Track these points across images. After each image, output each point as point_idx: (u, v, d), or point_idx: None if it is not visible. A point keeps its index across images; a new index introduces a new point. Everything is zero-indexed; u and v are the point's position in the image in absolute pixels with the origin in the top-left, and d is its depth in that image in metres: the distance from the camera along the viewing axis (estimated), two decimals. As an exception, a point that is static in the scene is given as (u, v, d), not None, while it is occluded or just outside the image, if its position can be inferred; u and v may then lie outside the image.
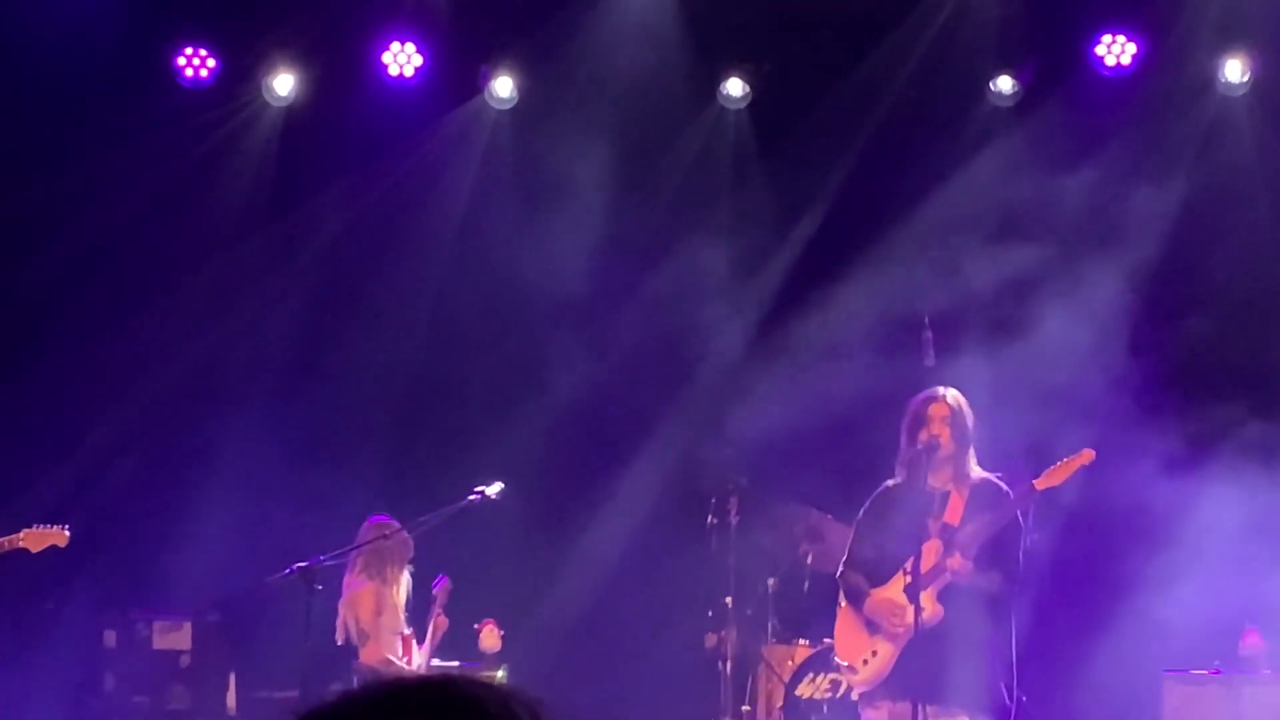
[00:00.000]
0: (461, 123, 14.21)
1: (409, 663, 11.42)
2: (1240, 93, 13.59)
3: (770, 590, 12.16)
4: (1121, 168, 13.38)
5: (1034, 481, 9.38)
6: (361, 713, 1.74)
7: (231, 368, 13.90)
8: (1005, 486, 9.46)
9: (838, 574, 9.81)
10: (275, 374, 13.86)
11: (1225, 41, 13.57)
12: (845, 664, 9.74)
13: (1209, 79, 13.63)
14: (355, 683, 11.14)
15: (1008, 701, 9.31)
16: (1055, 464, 9.44)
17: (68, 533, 11.33)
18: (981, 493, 9.43)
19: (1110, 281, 12.91)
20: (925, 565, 9.27)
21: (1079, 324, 12.72)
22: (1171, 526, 12.27)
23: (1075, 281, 13.01)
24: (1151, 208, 13.34)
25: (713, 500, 12.28)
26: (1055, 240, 13.27)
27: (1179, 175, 13.37)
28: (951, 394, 9.60)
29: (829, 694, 11.36)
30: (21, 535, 11.15)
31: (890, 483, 9.67)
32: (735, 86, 14.09)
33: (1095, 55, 13.70)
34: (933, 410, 9.48)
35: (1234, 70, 13.55)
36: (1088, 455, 9.46)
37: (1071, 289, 12.96)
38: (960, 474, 9.46)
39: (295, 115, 14.10)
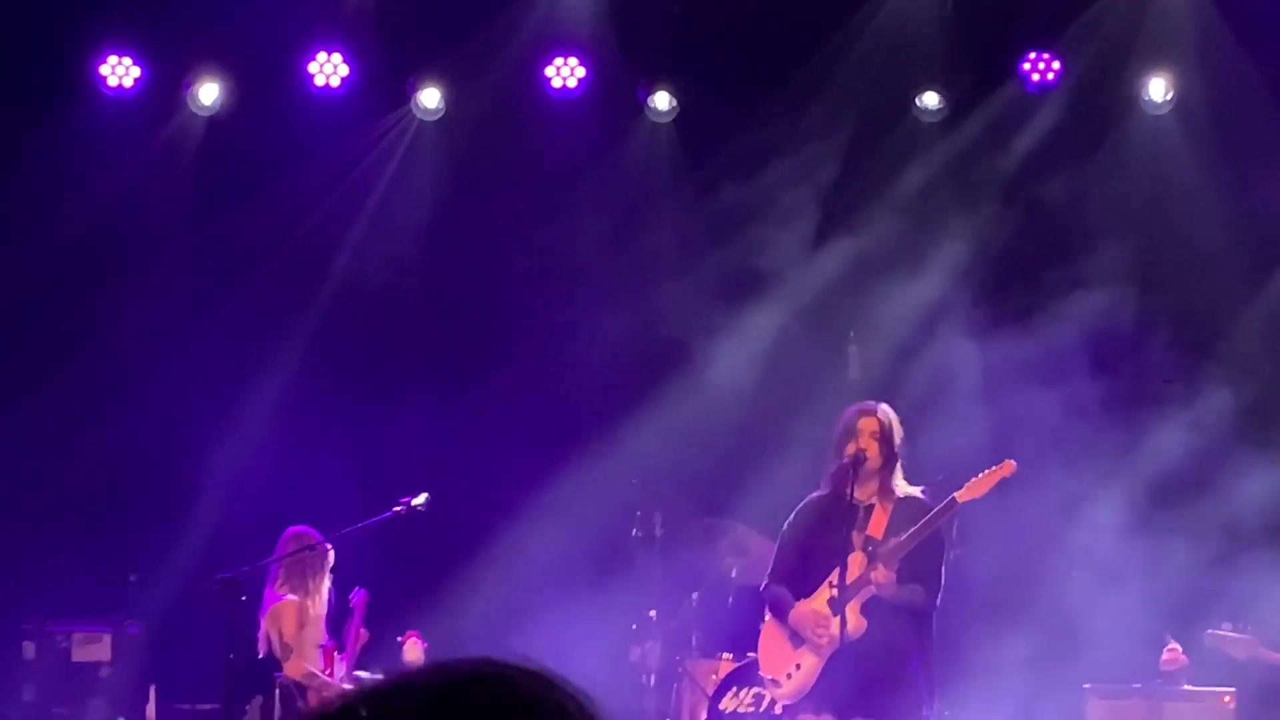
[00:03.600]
0: (388, 133, 14.16)
1: (331, 675, 11.36)
2: (1163, 111, 13.71)
3: (694, 604, 12.15)
4: (1048, 182, 13.50)
5: (955, 494, 9.40)
6: (415, 704, 1.72)
7: (153, 375, 13.78)
8: (929, 501, 9.48)
9: (762, 587, 9.81)
10: (196, 382, 13.76)
11: (1149, 61, 13.68)
12: (770, 677, 9.74)
13: (1133, 97, 13.75)
14: (277, 697, 11.15)
15: (928, 714, 9.34)
16: (976, 476, 9.46)
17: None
18: (905, 507, 9.45)
19: (1042, 299, 13.00)
20: (849, 578, 9.28)
21: (1002, 343, 12.79)
22: (1092, 539, 12.37)
23: (1006, 301, 13.09)
24: (1080, 223, 13.46)
25: (637, 513, 12.27)
26: (980, 256, 13.37)
27: (1107, 189, 13.49)
28: (883, 409, 9.63)
29: (752, 708, 11.35)
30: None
31: (815, 495, 9.68)
32: (662, 100, 14.09)
33: (1022, 72, 13.78)
34: (863, 424, 9.50)
35: (1157, 89, 13.67)
36: (1009, 467, 9.49)
37: (1003, 308, 13.04)
38: (885, 488, 9.48)
39: (220, 125, 14.02)
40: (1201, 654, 11.59)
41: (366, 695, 1.73)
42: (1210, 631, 11.50)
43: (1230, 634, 11.44)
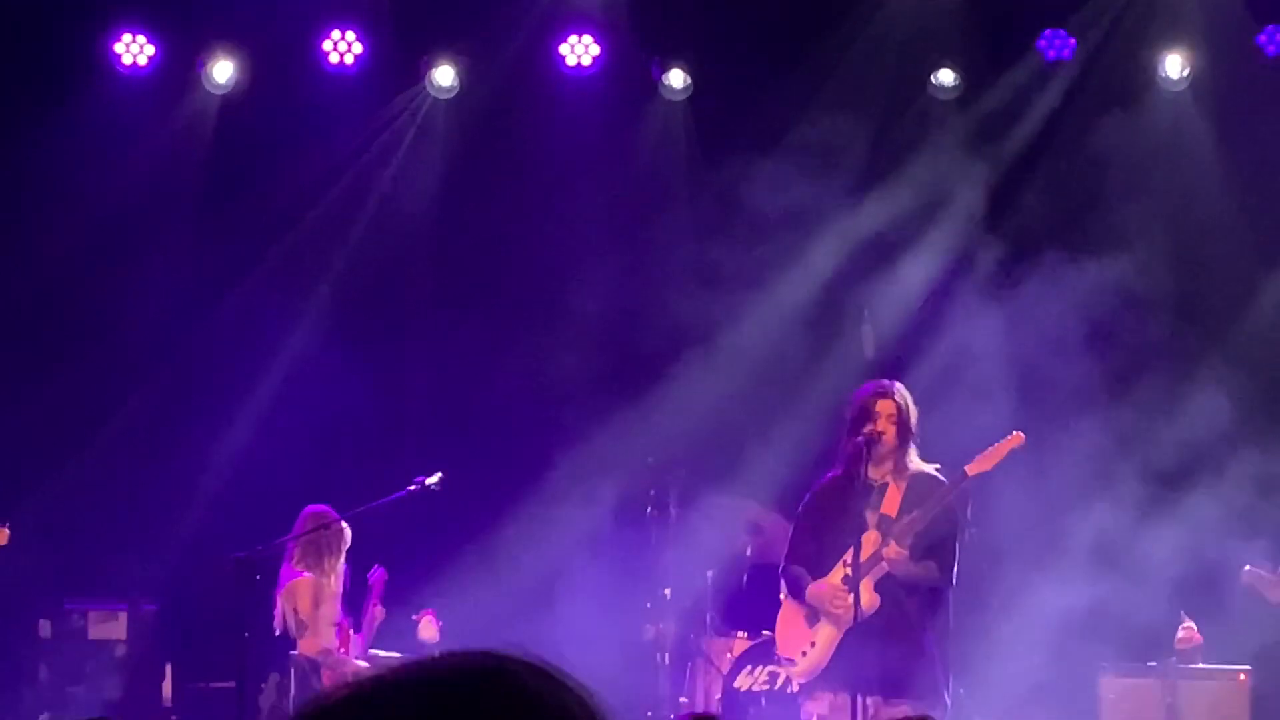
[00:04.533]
0: (402, 112, 14.15)
1: (347, 653, 11.38)
2: (1180, 88, 13.68)
3: (709, 582, 12.15)
4: (1063, 160, 13.49)
5: (965, 467, 9.40)
6: (413, 695, 1.71)
7: (168, 353, 13.80)
8: (942, 478, 9.48)
9: (780, 568, 9.82)
10: (212, 360, 13.79)
11: (1164, 38, 13.65)
12: (785, 657, 9.75)
13: (1149, 74, 13.72)
14: (293, 675, 11.17)
15: (944, 693, 9.34)
16: (986, 449, 9.46)
17: (8, 530, 11.27)
18: (919, 485, 9.45)
19: (1057, 275, 12.96)
20: (864, 556, 9.28)
21: (1016, 319, 12.78)
22: (1106, 515, 12.36)
23: (1020, 277, 13.07)
24: (1096, 201, 13.44)
25: (652, 492, 12.26)
26: (995, 233, 13.37)
27: (1122, 167, 13.47)
28: (899, 390, 9.62)
29: (767, 686, 11.36)
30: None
31: (829, 475, 9.68)
32: (676, 78, 14.07)
33: (1038, 49, 13.76)
34: (879, 406, 9.48)
35: (1174, 65, 13.63)
36: (1018, 438, 9.48)
37: (1017, 284, 13.02)
38: (899, 467, 9.49)
39: (234, 103, 14.01)
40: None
41: (369, 687, 1.72)
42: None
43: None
